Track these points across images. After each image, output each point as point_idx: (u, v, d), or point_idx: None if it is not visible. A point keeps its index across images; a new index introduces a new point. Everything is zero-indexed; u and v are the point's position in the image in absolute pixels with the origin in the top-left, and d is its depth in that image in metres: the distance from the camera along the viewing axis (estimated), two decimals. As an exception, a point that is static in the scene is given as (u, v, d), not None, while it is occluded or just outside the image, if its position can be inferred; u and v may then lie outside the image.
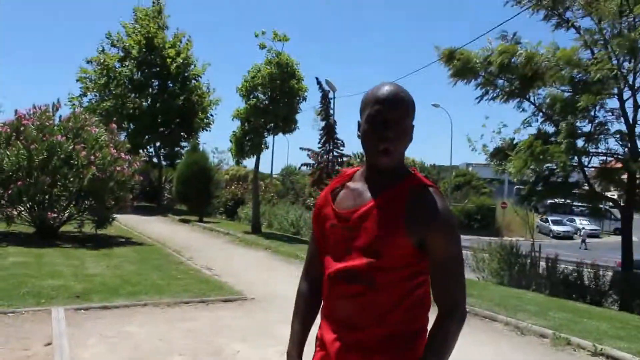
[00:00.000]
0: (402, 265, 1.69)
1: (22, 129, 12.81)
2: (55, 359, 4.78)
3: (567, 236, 38.18)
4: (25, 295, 7.12)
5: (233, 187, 30.03)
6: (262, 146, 18.12)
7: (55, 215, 13.02)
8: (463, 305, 1.78)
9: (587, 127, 12.43)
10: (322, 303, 1.87)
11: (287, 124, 17.76)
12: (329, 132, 21.77)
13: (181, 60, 29.04)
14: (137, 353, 5.24)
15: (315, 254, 1.92)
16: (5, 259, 9.85)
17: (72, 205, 13.54)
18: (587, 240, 33.34)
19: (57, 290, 7.52)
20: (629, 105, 11.99)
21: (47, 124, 13.19)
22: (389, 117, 1.67)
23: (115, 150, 13.72)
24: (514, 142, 13.00)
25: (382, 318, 1.70)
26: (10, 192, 12.09)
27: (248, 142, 17.54)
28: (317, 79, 22.64)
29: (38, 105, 13.72)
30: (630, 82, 11.74)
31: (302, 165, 23.80)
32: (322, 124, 21.97)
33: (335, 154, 21.90)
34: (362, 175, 1.83)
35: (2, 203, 12.51)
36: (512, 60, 12.20)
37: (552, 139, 12.16)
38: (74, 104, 29.37)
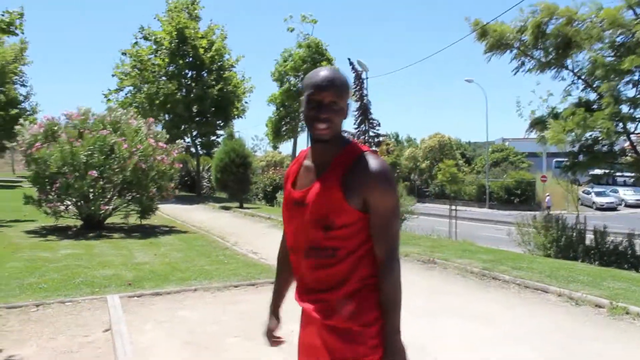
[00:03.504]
0: (355, 231, 1.90)
1: (66, 126, 13.13)
2: (116, 344, 4.88)
3: (610, 207, 37.30)
4: (80, 284, 7.31)
5: (270, 172, 30.21)
6: (298, 129, 18.16)
7: (104, 207, 13.30)
8: (398, 250, 1.98)
9: (631, 92, 12.04)
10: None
11: (321, 107, 17.75)
12: (364, 112, 21.66)
13: (215, 51, 29.22)
14: (193, 336, 5.33)
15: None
16: (57, 251, 10.13)
17: (116, 197, 13.81)
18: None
19: (109, 279, 7.70)
20: (676, 66, 11.54)
21: (89, 121, 13.49)
22: (324, 100, 1.88)
23: (154, 141, 13.92)
24: (556, 111, 12.68)
25: (344, 281, 1.92)
26: (57, 187, 12.39)
27: (284, 126, 17.60)
28: (349, 59, 22.54)
29: (80, 107, 14.02)
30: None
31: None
32: (357, 105, 21.86)
33: (371, 134, 21.80)
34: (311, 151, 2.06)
35: (50, 198, 12.84)
36: (549, 26, 11.85)
37: (595, 106, 11.82)
38: (109, 99, 29.93)
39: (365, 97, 21.77)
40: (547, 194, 36.66)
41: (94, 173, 12.37)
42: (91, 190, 12.84)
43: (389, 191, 1.91)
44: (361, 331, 1.89)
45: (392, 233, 1.94)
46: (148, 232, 13.69)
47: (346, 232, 1.89)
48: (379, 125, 22.08)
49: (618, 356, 4.81)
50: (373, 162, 1.90)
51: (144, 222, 14.72)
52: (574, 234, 12.41)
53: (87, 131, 12.91)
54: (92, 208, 13.02)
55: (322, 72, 1.92)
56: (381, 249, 1.93)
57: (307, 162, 2.03)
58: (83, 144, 12.49)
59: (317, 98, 1.88)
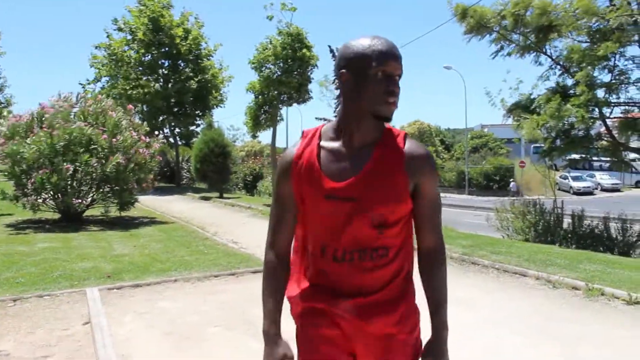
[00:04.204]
0: (404, 225, 1.74)
1: (44, 118, 12.91)
2: (95, 337, 4.85)
3: (587, 192, 37.83)
4: (59, 278, 7.23)
5: (250, 162, 30.11)
6: (278, 118, 18.09)
7: (80, 200, 13.14)
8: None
9: (607, 77, 12.17)
10: (309, 273, 1.79)
11: (300, 94, 17.68)
12: (343, 100, 21.62)
13: (191, 40, 28.92)
14: (173, 327, 5.31)
15: (287, 221, 1.81)
16: (34, 245, 10.00)
17: (95, 190, 13.66)
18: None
19: (88, 272, 7.62)
20: (650, 51, 11.70)
21: (68, 112, 13.27)
22: (395, 72, 1.67)
23: (134, 133, 13.78)
24: (532, 97, 12.78)
25: (392, 281, 1.75)
26: (33, 180, 12.20)
27: (263, 114, 17.52)
28: (329, 46, 22.37)
29: (63, 93, 13.81)
30: (652, 27, 11.43)
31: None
32: (337, 92, 21.82)
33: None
34: (334, 132, 1.76)
35: (27, 191, 12.64)
36: (527, 12, 11.92)
37: (571, 91, 11.93)
38: (87, 89, 29.55)
39: (344, 85, 21.74)
40: (512, 179, 37.19)
41: (69, 167, 12.18)
42: (69, 183, 12.67)
43: (437, 176, 1.79)
44: (406, 339, 1.77)
45: (440, 220, 1.84)
46: (127, 224, 13.58)
47: (398, 228, 1.72)
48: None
49: (595, 336, 4.89)
50: (419, 145, 1.77)
51: (124, 214, 14.59)
52: (552, 219, 12.58)
53: (63, 122, 12.69)
54: (69, 201, 12.84)
55: (382, 41, 1.67)
56: (432, 238, 1.81)
57: (334, 145, 1.73)
58: (60, 135, 12.28)
59: (389, 70, 1.64)
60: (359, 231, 1.67)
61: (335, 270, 1.71)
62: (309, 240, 1.77)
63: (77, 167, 12.43)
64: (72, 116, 13.31)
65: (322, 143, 1.75)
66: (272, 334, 1.77)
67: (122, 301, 6.29)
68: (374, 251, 1.69)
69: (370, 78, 1.64)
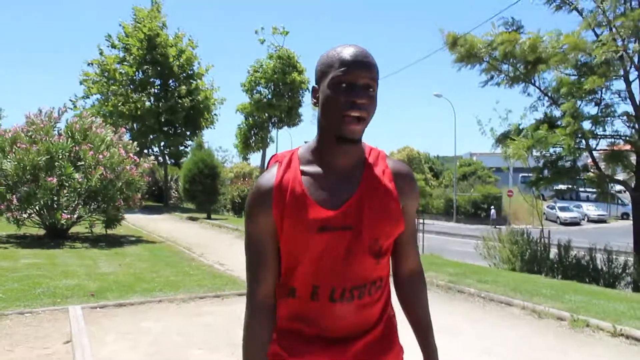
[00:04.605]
0: (389, 250, 1.59)
1: (25, 133, 12.86)
2: (76, 356, 4.77)
3: (574, 222, 38.06)
4: (41, 295, 7.14)
5: (239, 183, 30.07)
6: (268, 140, 18.15)
7: (66, 216, 13.04)
8: None
9: (593, 110, 12.37)
10: (287, 320, 1.54)
11: (291, 118, 17.80)
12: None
13: (184, 60, 29.06)
14: (156, 347, 5.24)
15: (268, 264, 1.51)
16: (17, 260, 9.88)
17: (81, 206, 13.58)
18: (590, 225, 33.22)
19: (71, 289, 7.53)
20: (635, 86, 11.92)
21: (51, 126, 13.23)
22: (359, 82, 1.40)
23: (124, 152, 13.76)
24: (520, 127, 12.95)
25: (386, 309, 1.62)
26: (18, 195, 12.10)
27: (253, 136, 17.58)
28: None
29: (44, 109, 13.76)
30: (637, 63, 11.67)
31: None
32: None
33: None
34: (312, 155, 1.52)
35: (11, 207, 12.53)
36: (516, 46, 12.14)
37: (559, 122, 12.09)
38: (76, 106, 29.53)
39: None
40: (492, 207, 37.45)
41: (54, 180, 12.11)
42: (55, 198, 12.58)
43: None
44: None
45: (416, 241, 1.71)
46: (113, 242, 13.48)
47: (389, 254, 1.57)
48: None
49: (579, 368, 4.89)
50: (402, 163, 1.62)
51: (110, 231, 14.49)
52: (539, 248, 12.63)
53: (46, 137, 12.66)
54: (57, 216, 12.74)
55: (350, 47, 1.44)
56: (416, 260, 1.69)
57: (316, 169, 1.50)
58: (39, 150, 12.22)
59: (349, 79, 1.39)
60: (361, 264, 1.48)
61: (329, 313, 1.48)
62: (292, 283, 1.51)
63: (63, 182, 12.35)
64: (56, 132, 13.27)
65: (303, 168, 1.51)
66: None
67: (105, 320, 6.21)
68: (372, 285, 1.52)
69: (330, 89, 1.41)
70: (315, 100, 1.50)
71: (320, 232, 1.44)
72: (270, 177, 1.50)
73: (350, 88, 1.40)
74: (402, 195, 1.55)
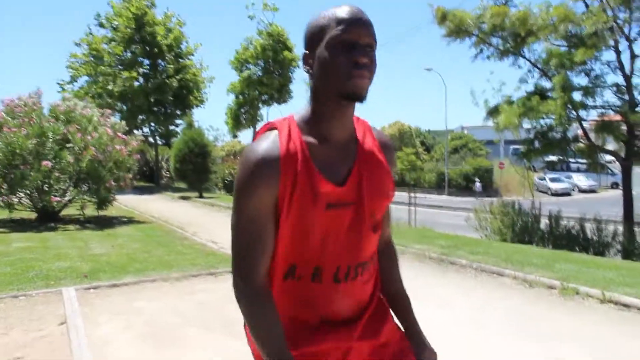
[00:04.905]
0: None
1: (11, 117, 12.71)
2: (70, 337, 4.79)
3: (565, 193, 38.31)
4: (34, 278, 7.13)
5: (230, 162, 30.02)
6: (258, 118, 18.06)
7: (58, 199, 12.99)
8: None
9: (583, 81, 12.38)
10: (286, 304, 1.44)
11: (281, 95, 17.71)
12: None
13: (172, 38, 28.77)
14: (150, 327, 5.26)
15: (265, 241, 1.38)
16: (9, 244, 9.86)
17: (72, 188, 13.52)
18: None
19: (64, 271, 7.53)
20: (625, 56, 11.94)
21: (35, 108, 13.09)
22: (361, 40, 1.32)
23: (112, 131, 13.66)
24: (512, 98, 12.95)
25: (377, 283, 1.57)
26: (9, 179, 12.02)
27: (244, 114, 17.48)
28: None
29: (22, 95, 13.59)
30: (626, 33, 11.66)
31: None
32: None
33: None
34: (307, 124, 1.41)
35: (2, 191, 12.46)
36: (505, 19, 12.08)
37: (549, 94, 12.10)
38: (64, 89, 29.25)
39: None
40: (476, 179, 37.59)
41: (48, 164, 12.04)
42: (46, 181, 12.52)
43: None
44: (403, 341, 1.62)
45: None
46: (105, 223, 13.45)
47: (381, 227, 1.52)
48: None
49: (570, 334, 4.96)
50: (383, 134, 1.56)
51: (101, 213, 14.45)
52: (530, 219, 12.73)
53: (33, 120, 12.53)
54: (48, 199, 12.69)
55: (345, 6, 1.35)
56: (389, 230, 1.65)
57: (314, 140, 1.39)
58: (29, 134, 12.12)
59: (349, 37, 1.31)
60: (364, 240, 1.44)
61: (332, 293, 1.42)
62: (292, 263, 1.41)
63: (54, 165, 12.28)
64: (43, 115, 13.14)
65: (305, 137, 1.39)
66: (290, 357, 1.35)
67: (99, 301, 6.22)
68: (371, 260, 1.48)
69: (329, 50, 1.33)
70: (308, 67, 1.39)
71: (328, 209, 1.37)
72: (274, 146, 1.36)
73: (352, 47, 1.32)
74: (391, 167, 1.51)
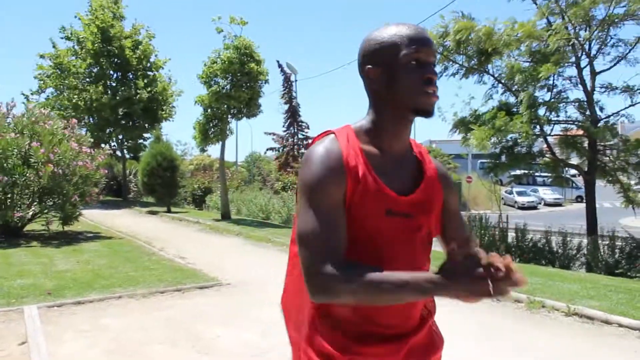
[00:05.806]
0: None
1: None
2: (32, 357, 4.66)
3: (531, 206, 38.97)
4: (-5, 295, 6.95)
5: (199, 176, 29.77)
6: (227, 132, 17.95)
7: (20, 214, 12.68)
8: None
9: (546, 96, 12.65)
10: (345, 314, 1.46)
11: (250, 109, 17.61)
12: (292, 115, 21.79)
13: (141, 52, 28.52)
14: (115, 345, 5.16)
15: (342, 237, 1.37)
16: (-31, 261, 9.58)
17: (36, 203, 13.21)
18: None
19: (27, 289, 7.34)
20: (586, 72, 12.24)
21: (4, 120, 12.81)
22: (430, 59, 1.44)
23: (77, 145, 13.41)
24: (478, 113, 13.13)
25: (425, 304, 1.66)
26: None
27: (212, 128, 17.35)
28: (278, 61, 22.65)
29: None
30: (587, 50, 11.98)
31: (267, 149, 23.75)
32: (286, 107, 21.95)
33: (300, 136, 21.92)
34: (367, 135, 1.47)
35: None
36: (471, 34, 12.27)
37: (514, 109, 12.33)
38: (30, 100, 28.72)
39: (294, 100, 21.85)
40: None
41: (3, 178, 11.74)
42: (7, 196, 12.22)
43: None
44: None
45: None
46: (71, 238, 13.17)
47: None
48: (307, 127, 22.26)
49: (536, 345, 5.03)
50: (439, 162, 1.64)
51: (67, 228, 14.15)
52: (497, 232, 12.89)
53: (1, 134, 12.23)
54: (9, 215, 12.37)
55: (408, 26, 1.45)
56: (468, 233, 1.72)
57: (374, 150, 1.45)
58: None
59: (421, 57, 1.42)
60: (419, 253, 1.49)
61: (389, 305, 1.43)
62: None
63: (15, 179, 12.00)
64: (6, 126, 12.82)
65: (363, 147, 1.45)
66: (436, 275, 1.34)
67: (63, 319, 6.08)
68: None
69: (402, 68, 1.41)
70: (371, 81, 1.46)
71: (387, 216, 1.41)
72: (336, 147, 1.41)
73: (423, 65, 1.42)
74: (446, 195, 1.58)
